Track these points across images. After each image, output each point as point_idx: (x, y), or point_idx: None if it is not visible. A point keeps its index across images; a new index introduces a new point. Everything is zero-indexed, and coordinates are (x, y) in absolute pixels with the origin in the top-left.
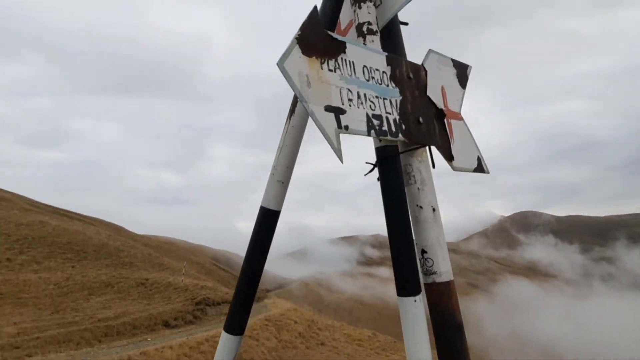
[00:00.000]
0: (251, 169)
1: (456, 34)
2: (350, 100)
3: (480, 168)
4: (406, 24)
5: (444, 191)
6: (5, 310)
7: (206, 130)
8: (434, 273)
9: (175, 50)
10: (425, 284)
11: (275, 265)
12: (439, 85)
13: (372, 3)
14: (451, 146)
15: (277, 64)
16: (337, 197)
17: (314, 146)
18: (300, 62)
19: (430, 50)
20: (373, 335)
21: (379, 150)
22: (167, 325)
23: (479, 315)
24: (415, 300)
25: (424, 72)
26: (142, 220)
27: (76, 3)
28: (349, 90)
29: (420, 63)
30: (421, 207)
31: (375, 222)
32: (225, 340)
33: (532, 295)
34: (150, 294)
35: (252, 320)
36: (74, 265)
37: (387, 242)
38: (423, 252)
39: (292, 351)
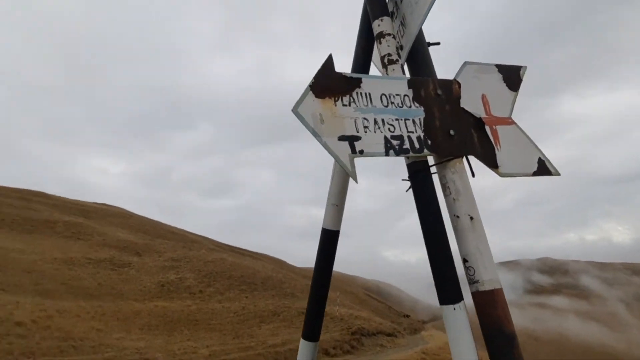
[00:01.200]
0: (391, 197)
1: None
2: (366, 127)
3: (543, 170)
4: (438, 43)
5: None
6: (200, 334)
7: None
8: (477, 282)
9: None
10: (471, 293)
11: (427, 294)
12: (478, 95)
13: (391, 36)
14: (496, 153)
15: (292, 110)
16: (491, 217)
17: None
18: (314, 104)
19: (465, 63)
20: None
21: (409, 166)
22: (327, 353)
23: None
24: (454, 308)
25: (457, 86)
26: (299, 253)
27: (226, 75)
28: (365, 118)
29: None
30: (458, 216)
31: (541, 244)
32: (304, 347)
33: None
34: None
35: (407, 353)
36: (247, 296)
37: (560, 267)
38: (465, 261)
39: None
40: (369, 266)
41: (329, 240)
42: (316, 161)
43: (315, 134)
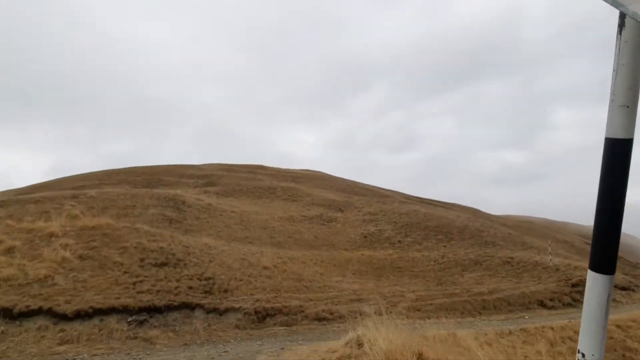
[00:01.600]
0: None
1: None
2: None
3: None
4: None
5: None
6: (404, 280)
7: (542, 98)
8: None
9: (484, 31)
10: None
11: None
12: None
13: None
14: None
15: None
16: None
17: None
18: None
19: None
20: None
21: None
22: (542, 305)
23: None
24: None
25: None
26: (493, 201)
27: (391, 29)
28: None
29: None
30: None
31: None
32: (593, 280)
33: None
34: (517, 272)
35: None
36: (445, 245)
37: None
38: None
39: None
40: (584, 211)
41: (618, 151)
42: (501, 101)
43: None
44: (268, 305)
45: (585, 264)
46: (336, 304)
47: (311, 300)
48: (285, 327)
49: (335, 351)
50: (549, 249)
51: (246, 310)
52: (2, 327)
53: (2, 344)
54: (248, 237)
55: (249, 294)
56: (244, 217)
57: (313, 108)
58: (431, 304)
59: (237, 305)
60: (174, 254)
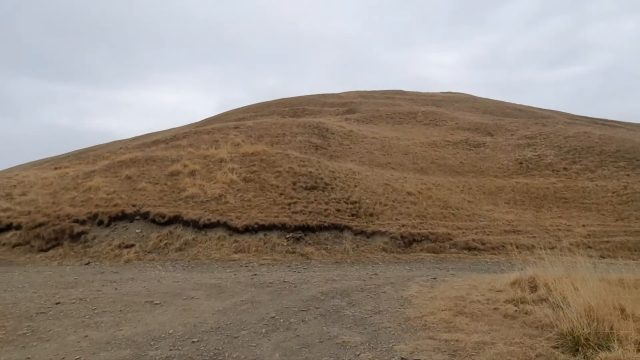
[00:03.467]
0: None
1: None
2: None
3: None
4: None
5: None
6: (572, 213)
7: None
8: None
9: None
10: None
11: None
12: None
13: None
14: None
15: None
16: None
17: None
18: None
19: None
20: None
21: None
22: None
23: None
24: None
25: None
26: None
27: None
28: None
29: None
30: None
31: None
32: None
33: None
34: None
35: None
36: (629, 174)
37: None
38: None
39: None
40: None
41: None
42: None
43: None
44: (414, 231)
45: None
46: (487, 234)
47: (459, 228)
48: (432, 254)
49: (500, 291)
50: None
51: (392, 234)
52: (193, 235)
53: (193, 249)
54: (390, 163)
55: (394, 218)
56: (384, 143)
57: (452, 25)
58: (608, 242)
59: (383, 229)
60: (321, 178)
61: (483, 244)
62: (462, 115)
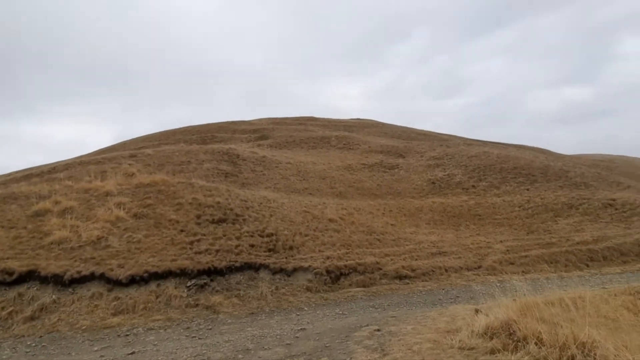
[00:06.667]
0: None
1: None
2: None
3: None
4: None
5: None
6: (488, 229)
7: (605, 27)
8: None
9: None
10: None
11: None
12: None
13: None
14: None
15: None
16: None
17: None
18: None
19: None
20: None
21: None
22: None
23: None
24: None
25: None
26: (556, 142)
27: None
28: None
29: None
30: None
31: None
32: None
33: None
34: (625, 216)
35: None
36: (528, 188)
37: None
38: None
39: None
40: None
41: None
42: (556, 34)
43: None
44: (340, 263)
45: None
46: (416, 259)
47: (387, 255)
48: (362, 289)
49: (472, 348)
50: None
51: (317, 270)
52: (53, 296)
53: (53, 315)
54: (307, 189)
55: (317, 250)
56: (300, 167)
57: (354, 61)
58: (526, 256)
59: (305, 264)
60: (231, 209)
61: (413, 270)
62: (374, 139)
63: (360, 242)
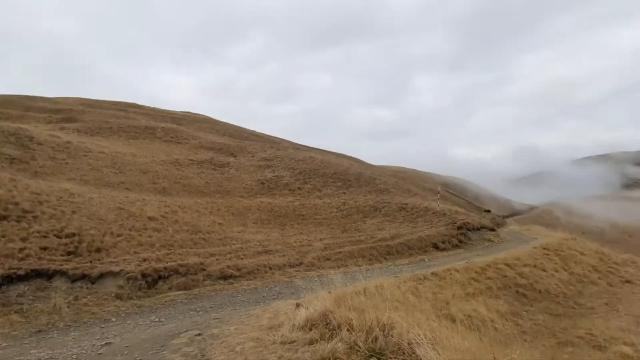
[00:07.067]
0: (459, 94)
1: None
2: None
3: None
4: None
5: None
6: (310, 228)
7: (406, 62)
8: None
9: None
10: None
11: (504, 189)
12: None
13: None
14: None
15: None
16: (574, 110)
17: (533, 54)
18: None
19: None
20: None
21: None
22: (436, 247)
23: None
24: None
25: None
26: (367, 153)
27: None
28: None
29: None
30: None
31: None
32: None
33: None
34: (413, 217)
35: (528, 249)
36: (345, 192)
37: None
38: None
39: (592, 287)
40: (440, 164)
41: None
42: (373, 61)
43: None
44: (159, 265)
45: (459, 208)
46: (242, 258)
47: (213, 255)
48: (184, 292)
49: (293, 341)
50: (439, 195)
51: (130, 274)
52: None
53: None
54: (124, 183)
55: (132, 252)
56: (117, 158)
57: (186, 53)
58: (340, 252)
59: (116, 269)
60: (16, 204)
61: (239, 269)
62: (204, 135)
63: (183, 241)
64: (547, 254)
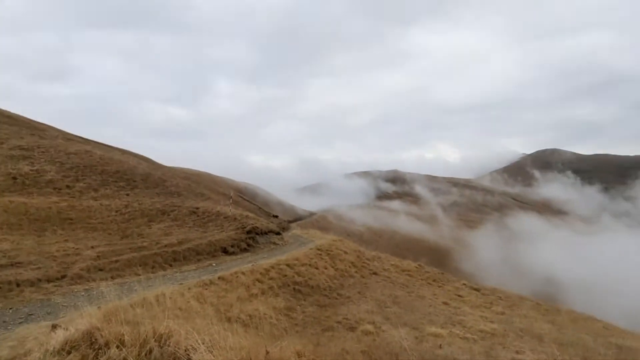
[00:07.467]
0: (257, 104)
1: None
2: None
3: None
4: None
5: (461, 127)
6: (79, 234)
7: (208, 64)
8: None
9: None
10: None
11: (291, 197)
12: None
13: None
14: None
15: None
16: (346, 133)
17: (322, 79)
18: None
19: None
20: (420, 267)
21: None
22: (225, 252)
23: (478, 244)
24: None
25: None
26: (156, 151)
27: None
28: None
29: None
30: None
31: (389, 158)
32: None
33: (539, 229)
34: (203, 222)
35: (305, 250)
36: (128, 193)
37: (402, 178)
38: None
39: (350, 280)
40: (235, 169)
41: None
42: (173, 56)
43: None
44: None
45: (250, 213)
46: None
47: None
48: None
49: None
50: (231, 200)
51: None
52: None
53: None
54: None
55: None
56: None
57: None
58: (117, 261)
59: None
60: None
61: None
62: None
63: None
64: (320, 254)
